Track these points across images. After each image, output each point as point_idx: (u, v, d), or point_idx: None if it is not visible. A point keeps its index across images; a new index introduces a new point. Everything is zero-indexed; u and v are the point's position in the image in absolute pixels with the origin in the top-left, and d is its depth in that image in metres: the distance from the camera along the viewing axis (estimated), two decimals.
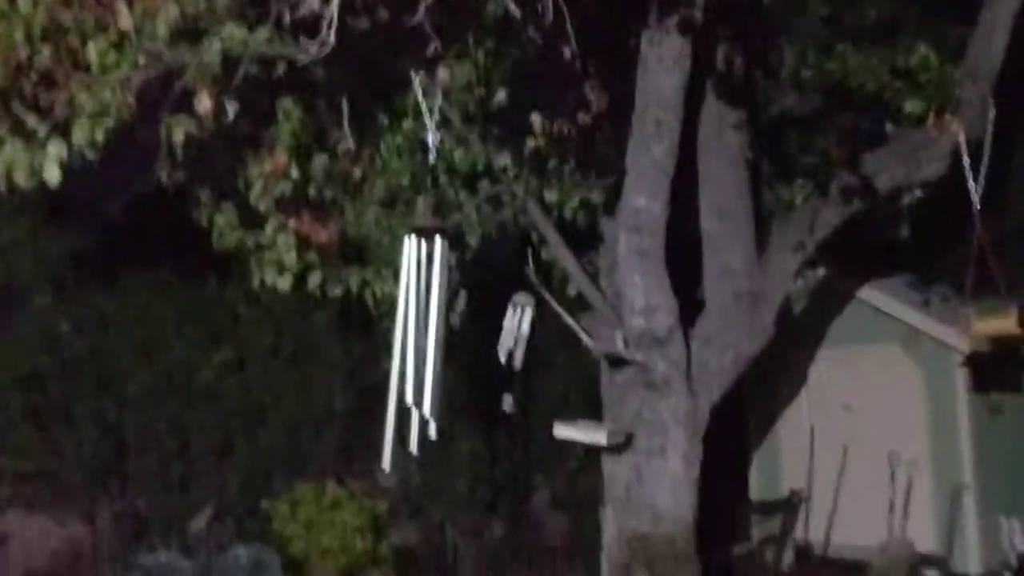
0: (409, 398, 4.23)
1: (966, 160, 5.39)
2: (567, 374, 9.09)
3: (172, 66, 4.11)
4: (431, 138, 4.73)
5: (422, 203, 4.88)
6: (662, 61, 5.10)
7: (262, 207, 5.15)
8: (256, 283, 5.42)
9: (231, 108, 4.03)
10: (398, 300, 4.38)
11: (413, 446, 4.34)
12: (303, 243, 5.25)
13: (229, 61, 4.02)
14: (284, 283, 5.33)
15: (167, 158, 4.50)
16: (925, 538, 8.68)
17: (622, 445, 5.49)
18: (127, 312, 7.48)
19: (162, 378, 7.39)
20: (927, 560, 8.51)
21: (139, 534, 6.88)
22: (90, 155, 4.21)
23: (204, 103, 3.94)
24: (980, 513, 8.51)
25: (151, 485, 7.20)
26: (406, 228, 4.63)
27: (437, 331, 4.32)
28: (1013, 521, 8.59)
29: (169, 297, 7.64)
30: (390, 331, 5.55)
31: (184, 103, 4.14)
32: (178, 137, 4.25)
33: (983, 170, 5.45)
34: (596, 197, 5.80)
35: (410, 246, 4.36)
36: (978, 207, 5.41)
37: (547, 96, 5.41)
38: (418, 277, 4.33)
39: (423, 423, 4.33)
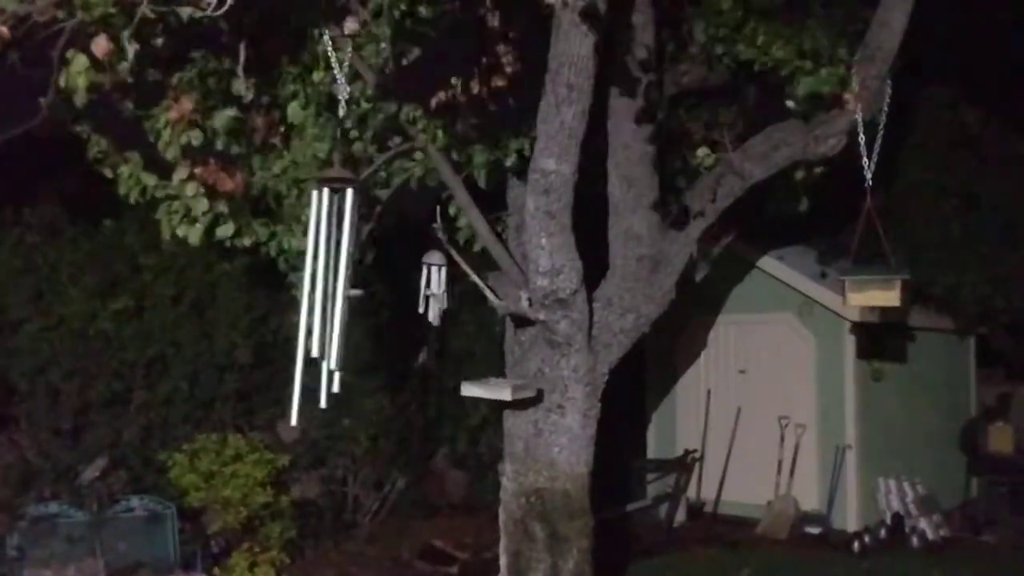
0: (315, 351, 4.22)
1: (861, 138, 5.60)
2: (471, 332, 9.18)
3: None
4: (341, 91, 4.67)
5: (333, 156, 4.83)
6: (576, 25, 5.12)
7: (169, 156, 5.01)
8: (167, 235, 5.27)
9: (131, 49, 3.84)
10: (306, 253, 4.34)
11: (322, 401, 4.34)
12: (211, 192, 5.13)
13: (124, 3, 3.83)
14: (195, 235, 5.20)
15: (65, 104, 4.28)
16: (809, 496, 9.14)
17: (528, 401, 5.58)
18: (19, 257, 7.20)
19: (56, 324, 7.16)
20: (809, 517, 8.96)
21: (28, 484, 6.71)
22: None
23: (101, 45, 3.76)
24: (860, 473, 9.00)
25: (42, 434, 7.01)
26: (314, 181, 4.58)
27: (344, 285, 4.31)
28: (889, 481, 9.11)
29: (63, 242, 7.38)
30: (296, 285, 5.55)
31: (79, 44, 3.94)
32: (81, 83, 4.04)
33: (877, 147, 5.67)
34: (507, 159, 5.83)
35: (318, 199, 4.32)
36: (870, 183, 5.63)
37: (462, 56, 5.38)
38: (328, 230, 4.30)
39: (330, 377, 4.33)
